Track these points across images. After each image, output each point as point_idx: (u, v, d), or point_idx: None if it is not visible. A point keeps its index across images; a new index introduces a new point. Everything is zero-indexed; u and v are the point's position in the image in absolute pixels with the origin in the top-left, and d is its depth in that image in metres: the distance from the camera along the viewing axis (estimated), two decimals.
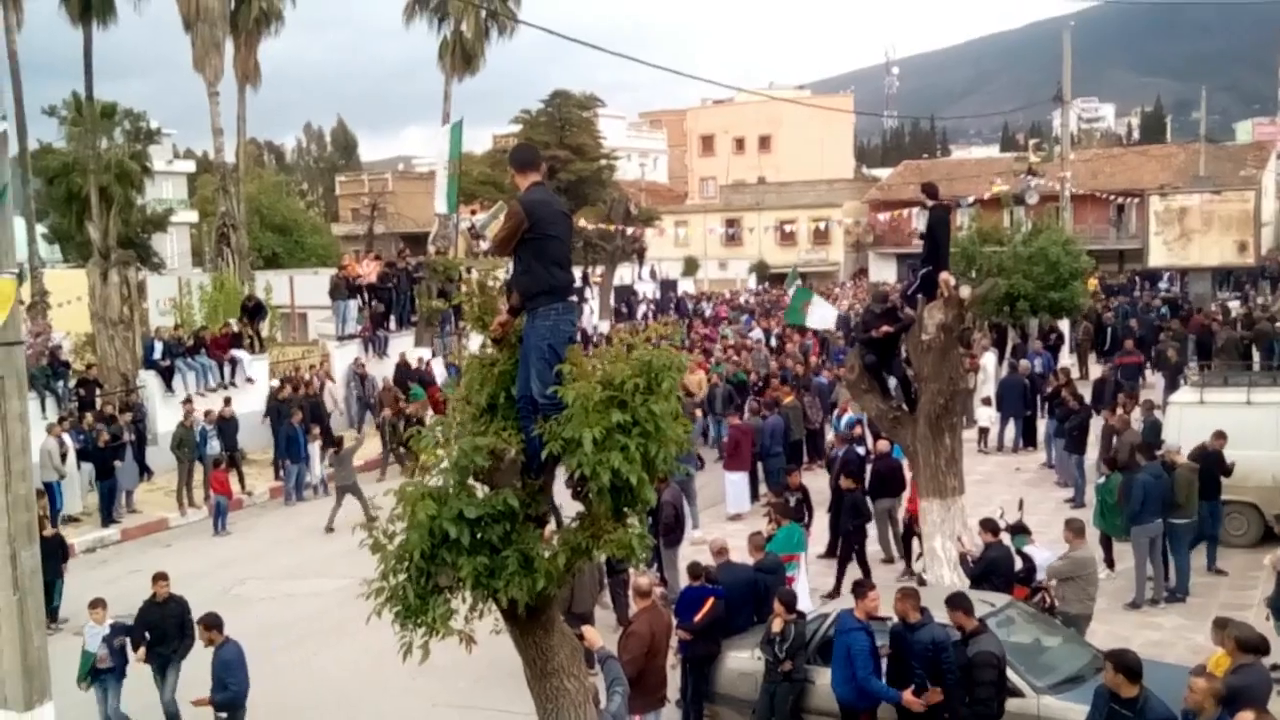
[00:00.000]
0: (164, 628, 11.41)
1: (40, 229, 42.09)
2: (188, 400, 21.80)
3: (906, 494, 14.83)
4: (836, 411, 20.11)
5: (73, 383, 22.32)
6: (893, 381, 13.96)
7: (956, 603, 9.05)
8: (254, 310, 26.93)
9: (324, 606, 15.11)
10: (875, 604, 9.56)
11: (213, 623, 10.44)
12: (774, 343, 31.29)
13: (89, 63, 34.43)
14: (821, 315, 24.23)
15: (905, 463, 14.33)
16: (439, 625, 5.92)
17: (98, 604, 11.46)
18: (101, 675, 11.19)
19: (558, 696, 6.46)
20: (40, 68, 34.70)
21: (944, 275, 12.56)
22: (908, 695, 8.88)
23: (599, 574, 12.64)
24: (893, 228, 55.48)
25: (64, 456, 18.68)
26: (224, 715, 10.23)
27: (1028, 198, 34.55)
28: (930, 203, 13.26)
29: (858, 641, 9.25)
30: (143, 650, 11.20)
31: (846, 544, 14.44)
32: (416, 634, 6.00)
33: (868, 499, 15.07)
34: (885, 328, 13.04)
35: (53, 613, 13.49)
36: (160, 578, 11.59)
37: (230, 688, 10.15)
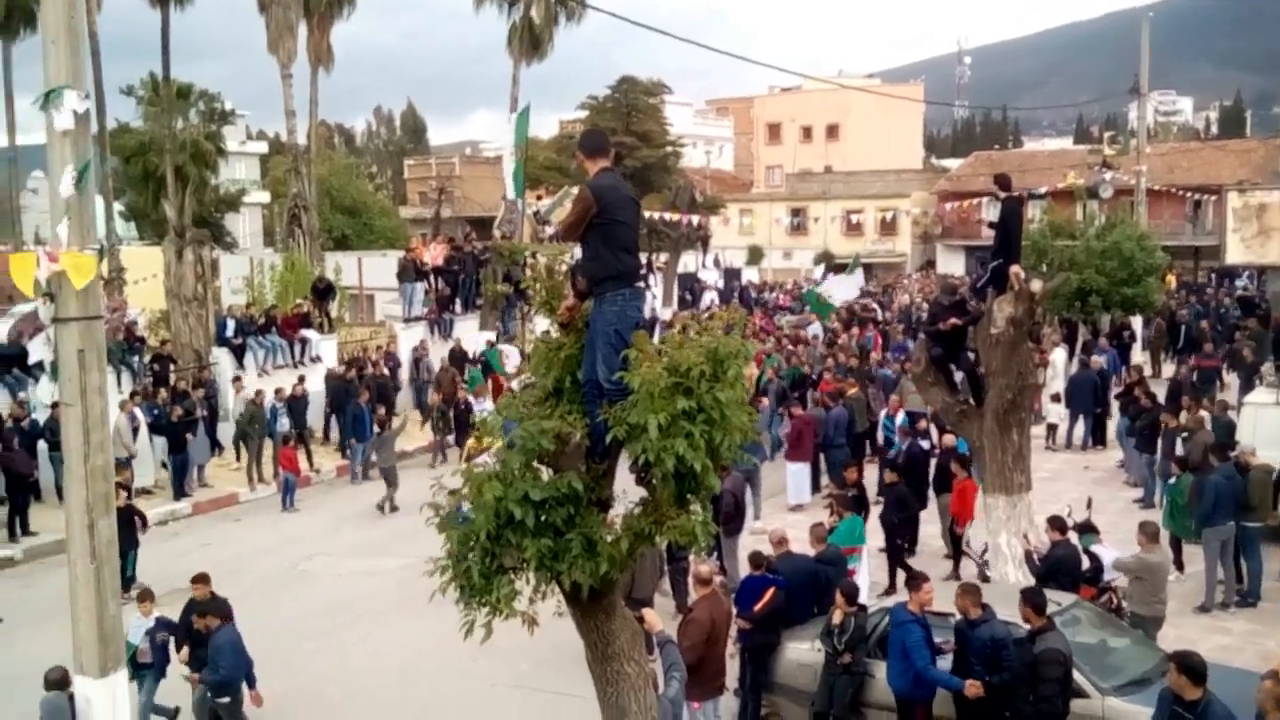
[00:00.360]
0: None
1: (117, 207, 43.05)
2: (237, 379, 22.30)
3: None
4: (886, 410, 19.21)
5: (147, 358, 22.85)
6: (959, 375, 13.82)
7: (1029, 598, 8.94)
8: (324, 291, 27.37)
9: (386, 585, 15.33)
10: (929, 596, 9.51)
11: (208, 610, 10.51)
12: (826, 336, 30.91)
13: (166, 44, 35.08)
14: (844, 288, 24.00)
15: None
16: (503, 605, 5.96)
17: (146, 596, 11.24)
18: (141, 669, 10.72)
19: (618, 680, 6.50)
20: (118, 48, 35.34)
21: (1015, 268, 12.39)
22: (970, 685, 8.82)
23: (659, 561, 12.68)
24: (961, 219, 54.71)
25: (135, 432, 19.11)
26: (224, 700, 10.19)
27: (1102, 191, 33.88)
28: (1003, 194, 13.07)
29: (912, 634, 9.19)
30: (185, 651, 10.85)
31: (891, 538, 14.31)
32: (480, 613, 6.05)
33: (930, 493, 14.92)
34: (953, 320, 12.89)
35: (126, 583, 13.81)
36: (200, 579, 11.09)
37: (222, 671, 10.10)
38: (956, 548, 14.57)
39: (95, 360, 7.55)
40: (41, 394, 19.01)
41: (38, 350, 7.29)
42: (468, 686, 11.84)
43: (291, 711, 11.43)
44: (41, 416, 18.48)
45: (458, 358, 25.89)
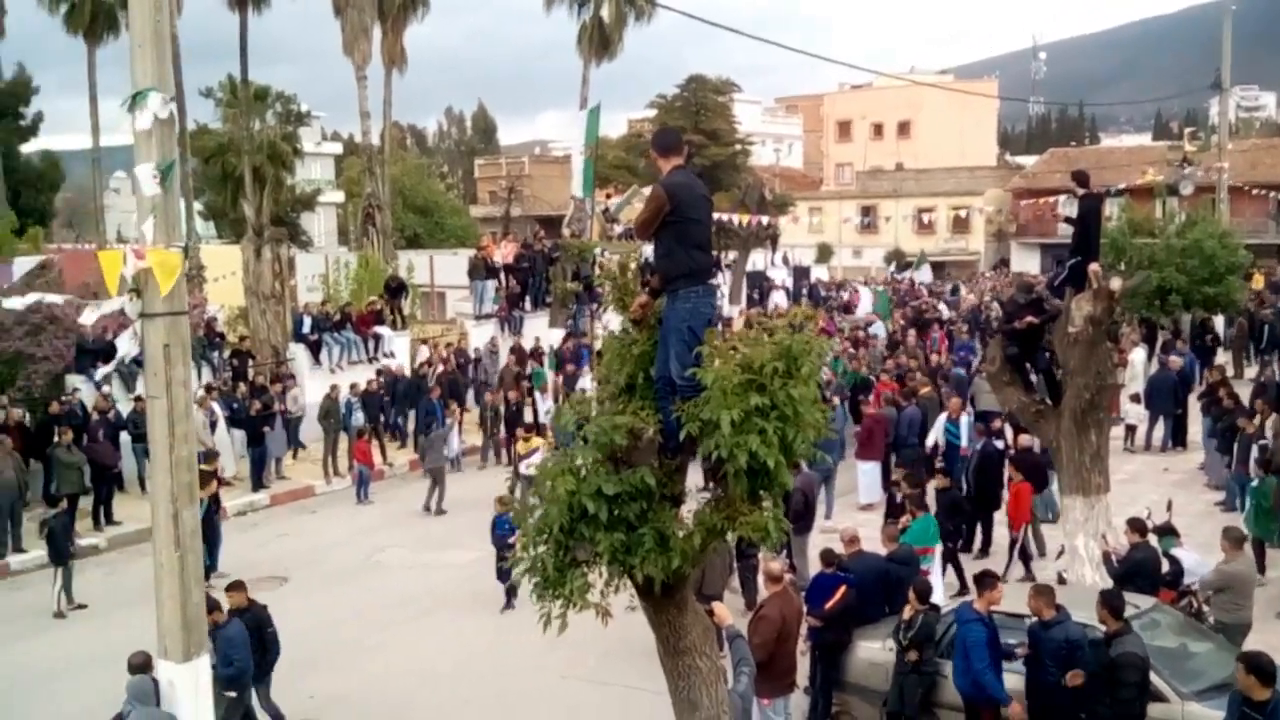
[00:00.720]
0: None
1: (197, 206, 44.05)
2: (274, 383, 22.48)
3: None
4: (946, 414, 18.07)
5: (227, 354, 23.39)
6: (1035, 375, 13.60)
7: (1107, 600, 8.81)
8: (397, 289, 27.74)
9: (458, 577, 15.53)
10: (999, 596, 9.40)
11: (212, 606, 9.90)
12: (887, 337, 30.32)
13: (244, 47, 35.80)
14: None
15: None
16: (576, 597, 6.03)
17: (238, 586, 10.87)
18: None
19: (689, 674, 6.53)
20: (197, 52, 36.26)
21: (1093, 266, 12.19)
22: (1014, 709, 8.80)
23: (729, 558, 12.68)
24: (1037, 217, 53.81)
25: (213, 425, 19.56)
26: (232, 694, 9.99)
27: (1182, 188, 33.13)
28: (1081, 191, 12.85)
29: (973, 633, 9.10)
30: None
31: (944, 542, 14.07)
32: (554, 605, 6.12)
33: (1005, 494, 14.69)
34: (1029, 319, 12.70)
35: (206, 571, 14.12)
36: (236, 587, 10.80)
37: (235, 664, 9.96)
38: (1013, 551, 14.37)
39: (180, 354, 7.76)
40: (97, 378, 19.59)
41: (124, 345, 7.53)
42: (538, 679, 11.94)
43: (364, 702, 11.64)
44: (125, 409, 19.03)
45: (521, 356, 26.01)
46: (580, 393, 6.82)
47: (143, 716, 8.19)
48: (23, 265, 19.76)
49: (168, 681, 8.27)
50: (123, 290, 7.75)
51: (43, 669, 12.62)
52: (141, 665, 8.96)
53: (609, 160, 55.77)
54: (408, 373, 24.22)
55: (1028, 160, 73.71)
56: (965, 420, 17.72)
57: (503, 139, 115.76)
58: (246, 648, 10.15)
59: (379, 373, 23.11)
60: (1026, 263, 57.17)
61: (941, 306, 35.91)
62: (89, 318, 7.36)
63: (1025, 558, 14.53)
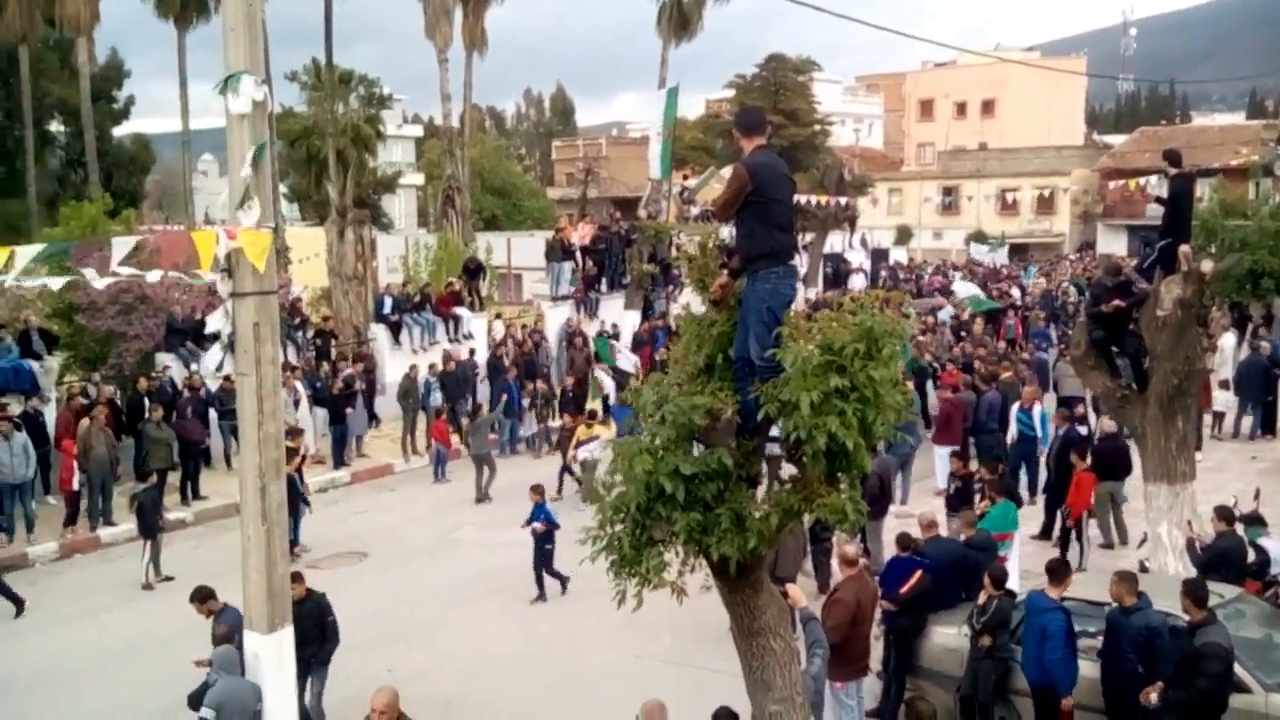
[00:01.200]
0: (302, 627, 9.91)
1: (281, 189, 44.92)
2: (355, 362, 22.73)
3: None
4: (1020, 403, 17.31)
5: (310, 334, 23.87)
6: (1122, 359, 13.30)
7: (1190, 589, 8.62)
8: (475, 271, 28.05)
9: (531, 558, 15.72)
10: (1068, 584, 9.30)
11: (207, 595, 10.09)
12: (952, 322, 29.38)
13: (329, 30, 36.27)
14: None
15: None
16: (652, 576, 6.07)
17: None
18: None
19: (763, 655, 6.54)
20: (281, 35, 36.78)
21: (1184, 248, 11.87)
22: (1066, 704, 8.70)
23: (803, 541, 12.66)
24: (1125, 197, 52.45)
25: (296, 404, 19.99)
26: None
27: (1277, 169, 32.07)
28: (1172, 171, 12.51)
29: (1054, 621, 8.98)
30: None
31: None
32: (630, 584, 6.17)
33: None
34: (1116, 302, 12.42)
35: (289, 546, 14.44)
36: (295, 578, 10.02)
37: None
38: (1065, 540, 14.16)
39: (269, 333, 7.93)
40: (208, 363, 20.10)
41: (215, 323, 7.71)
42: (611, 657, 12.06)
43: (438, 675, 11.83)
44: (213, 386, 19.55)
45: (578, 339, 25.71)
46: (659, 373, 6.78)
47: (228, 685, 8.41)
48: (121, 246, 20.06)
49: (253, 652, 8.48)
50: (216, 269, 7.90)
51: (131, 638, 13.06)
52: (225, 636, 9.19)
53: (686, 141, 55.62)
54: (479, 355, 24.41)
55: (1116, 140, 71.88)
56: (1039, 410, 17.06)
57: (580, 120, 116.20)
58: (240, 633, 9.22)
59: (444, 358, 23.19)
60: (1113, 245, 55.85)
61: (1015, 291, 35.05)
62: (217, 324, 7.52)
63: (1081, 547, 14.31)
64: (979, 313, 28.05)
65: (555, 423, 21.87)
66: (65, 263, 22.75)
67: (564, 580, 14.01)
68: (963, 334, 26.03)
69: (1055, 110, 71.47)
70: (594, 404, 21.61)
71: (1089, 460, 14.64)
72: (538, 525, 13.92)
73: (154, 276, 9.89)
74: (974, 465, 15.18)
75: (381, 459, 21.46)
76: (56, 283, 11.09)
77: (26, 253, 7.44)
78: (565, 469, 18.75)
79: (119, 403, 19.04)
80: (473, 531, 17.27)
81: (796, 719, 6.51)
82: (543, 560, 14.07)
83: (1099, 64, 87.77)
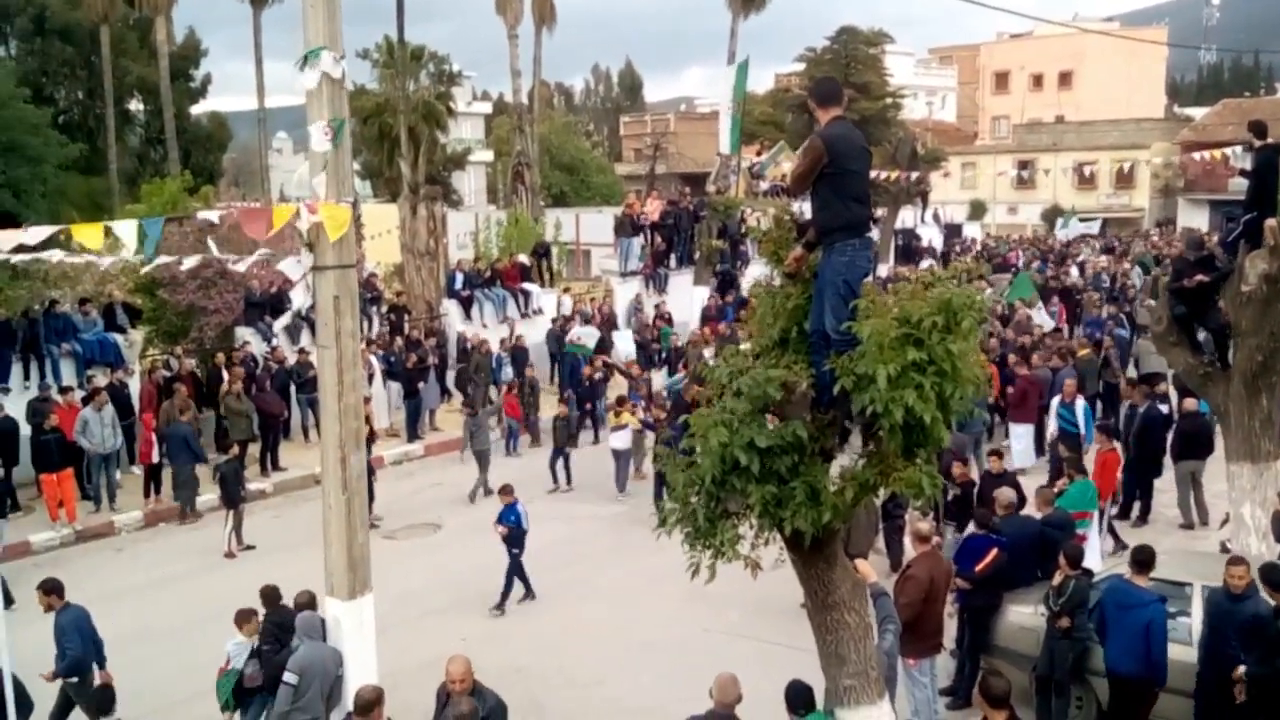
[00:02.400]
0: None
1: (354, 165, 45.47)
2: (428, 337, 22.94)
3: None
4: (1060, 397, 15.97)
5: (384, 309, 24.20)
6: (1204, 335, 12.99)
7: (1267, 575, 8.44)
8: (543, 253, 28.13)
9: (602, 529, 15.86)
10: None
11: (52, 588, 9.63)
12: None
13: (400, 7, 36.62)
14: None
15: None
16: (726, 548, 6.09)
17: (246, 617, 9.61)
18: (250, 697, 9.42)
19: (838, 629, 6.53)
20: (350, 13, 37.13)
21: (1270, 222, 11.51)
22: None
23: (875, 517, 12.59)
24: (1207, 171, 51.03)
25: (370, 378, 20.28)
26: (73, 680, 9.53)
27: None
28: (1257, 143, 12.14)
29: (1158, 614, 8.81)
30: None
31: None
32: (704, 555, 6.19)
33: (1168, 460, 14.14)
34: (1199, 277, 12.11)
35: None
36: (244, 617, 9.66)
37: (69, 653, 9.34)
38: (1102, 521, 13.39)
39: (349, 306, 8.09)
40: (277, 325, 20.56)
41: (298, 298, 7.89)
42: (681, 629, 12.13)
43: (510, 644, 11.98)
44: (291, 360, 19.93)
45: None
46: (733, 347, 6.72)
47: (310, 650, 8.63)
48: (204, 219, 20.41)
49: (333, 618, 8.70)
50: (301, 243, 8.03)
51: (215, 604, 13.33)
52: (307, 603, 9.41)
53: (755, 116, 55.12)
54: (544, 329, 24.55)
55: (1198, 112, 69.85)
56: (1082, 404, 15.84)
57: (648, 96, 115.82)
58: (80, 634, 9.49)
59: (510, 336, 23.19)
60: (1195, 219, 54.39)
61: (1073, 270, 33.15)
62: (298, 297, 7.67)
63: (1113, 530, 14.03)
64: (1012, 302, 27.24)
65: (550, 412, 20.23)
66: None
67: (529, 590, 13.41)
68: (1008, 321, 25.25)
69: (1135, 82, 69.62)
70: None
71: (1170, 438, 14.36)
72: (502, 528, 13.18)
73: (243, 266, 10.06)
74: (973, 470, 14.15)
75: (454, 432, 21.64)
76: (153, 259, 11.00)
77: (126, 230, 7.59)
78: (556, 458, 18.09)
79: (200, 376, 19.49)
80: (544, 504, 17.35)
81: (871, 693, 6.50)
82: (514, 565, 13.23)
83: (1180, 34, 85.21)
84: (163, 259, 9.76)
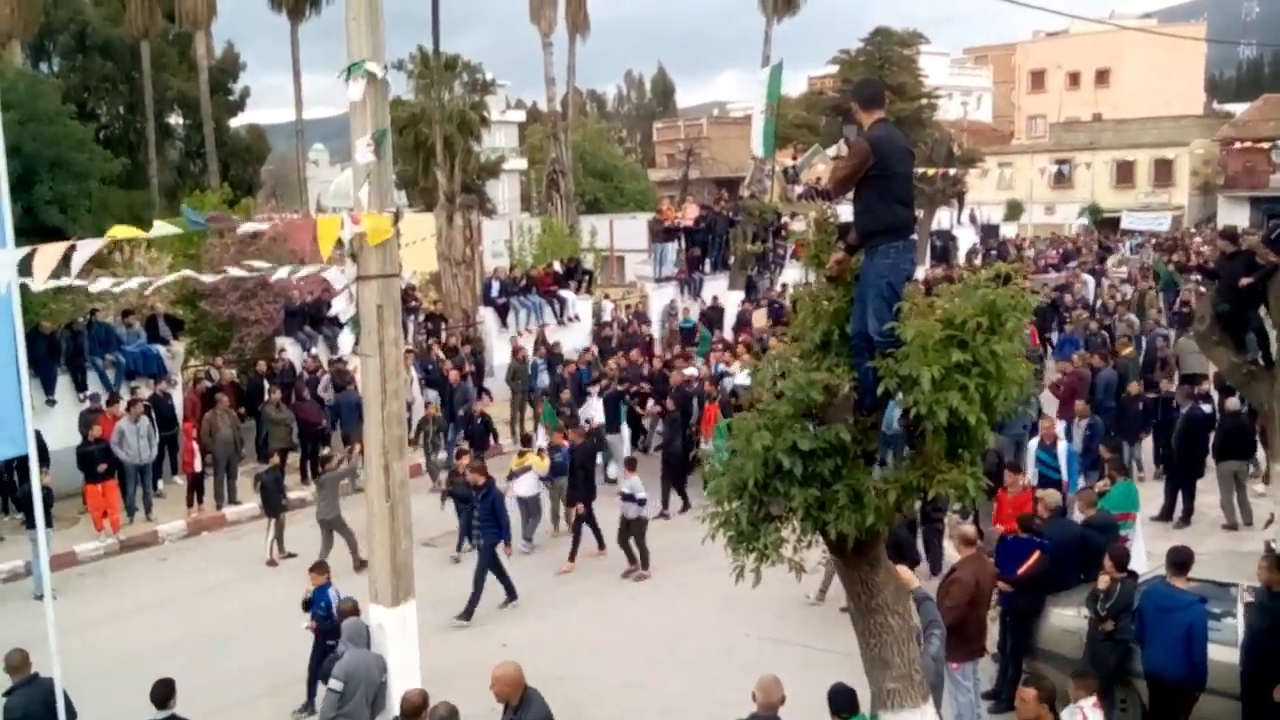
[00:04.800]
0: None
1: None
2: (464, 344, 22.92)
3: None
4: (1039, 438, 14.06)
5: (421, 317, 24.37)
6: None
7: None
8: (574, 271, 27.90)
9: (658, 530, 15.88)
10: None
11: (17, 663, 8.82)
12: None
13: (436, 18, 36.87)
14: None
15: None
16: (770, 551, 6.09)
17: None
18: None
19: (881, 632, 6.50)
20: (386, 24, 37.44)
21: None
22: None
23: (913, 523, 12.54)
24: (1247, 168, 50.41)
25: (408, 386, 20.40)
26: None
27: None
28: None
29: (1199, 617, 8.72)
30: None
31: None
32: (749, 559, 6.20)
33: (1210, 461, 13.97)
34: (1246, 280, 11.95)
35: None
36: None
37: None
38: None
39: (391, 315, 8.17)
40: (343, 346, 20.71)
41: (339, 306, 7.97)
42: (717, 635, 12.17)
43: (548, 650, 12.00)
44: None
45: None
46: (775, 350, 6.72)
47: (355, 656, 8.71)
48: (248, 229, 20.82)
49: (377, 624, 8.79)
50: (334, 256, 8.15)
51: (258, 612, 13.56)
52: (351, 610, 9.51)
53: (789, 119, 54.93)
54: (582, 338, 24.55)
55: (1237, 108, 68.97)
56: (1064, 448, 13.83)
57: (681, 101, 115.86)
58: None
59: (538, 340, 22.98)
60: (1235, 217, 53.67)
61: (1088, 278, 31.35)
62: (341, 307, 7.72)
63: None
64: (1166, 286, 26.37)
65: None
66: (189, 252, 23.71)
67: (311, 697, 10.69)
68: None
69: (1173, 79, 68.81)
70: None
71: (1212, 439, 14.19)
72: (311, 622, 10.63)
73: (282, 273, 10.22)
74: None
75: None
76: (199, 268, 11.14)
77: (164, 228, 7.71)
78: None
79: (241, 386, 19.70)
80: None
81: (915, 696, 6.47)
82: (317, 661, 10.41)
83: (1219, 29, 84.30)
84: (208, 277, 9.61)
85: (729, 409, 16.34)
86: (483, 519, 13.19)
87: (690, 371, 18.84)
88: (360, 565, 13.73)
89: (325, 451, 16.79)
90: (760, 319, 25.29)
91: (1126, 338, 20.37)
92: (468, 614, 12.82)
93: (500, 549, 13.17)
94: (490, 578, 13.18)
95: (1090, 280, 31.60)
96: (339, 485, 15.14)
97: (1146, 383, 17.43)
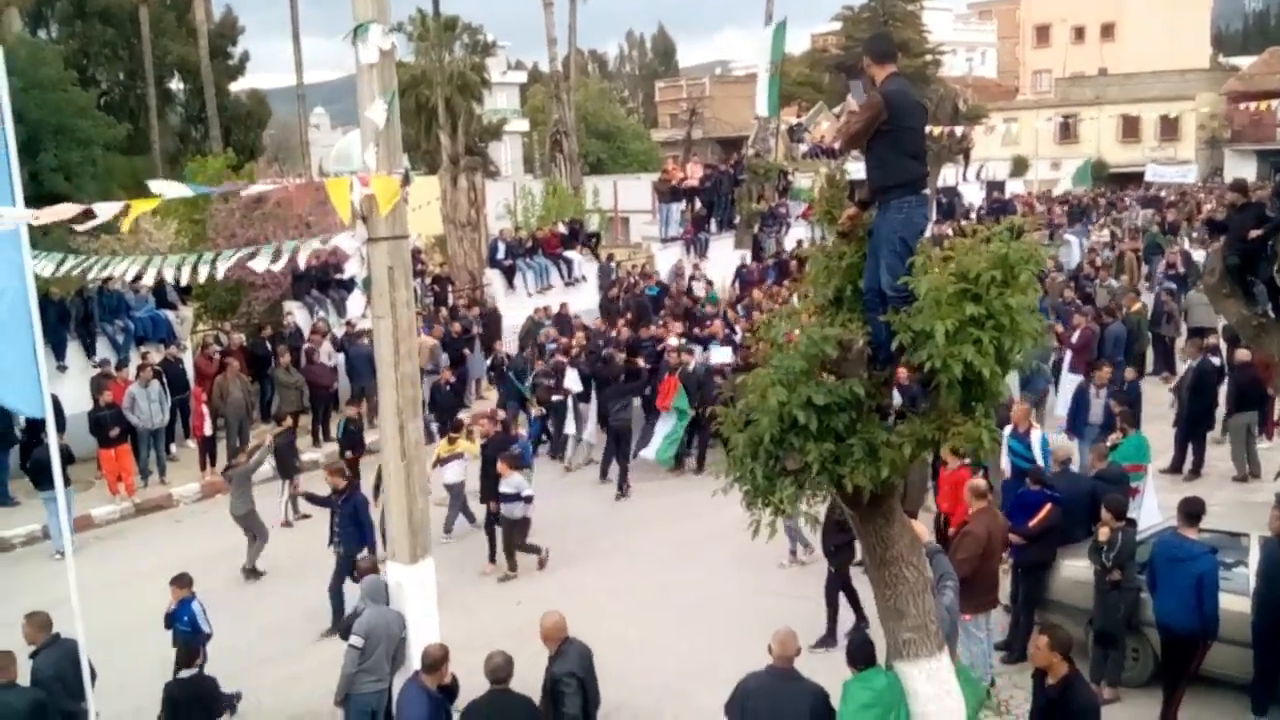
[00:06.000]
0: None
1: None
2: (470, 306, 22.80)
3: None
4: (1011, 426, 12.43)
5: (428, 280, 24.37)
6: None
7: None
8: (576, 232, 27.73)
9: (643, 494, 15.96)
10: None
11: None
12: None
13: None
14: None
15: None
16: (786, 505, 6.14)
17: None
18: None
19: (896, 584, 6.57)
20: None
21: None
22: None
23: (927, 475, 12.60)
24: (1254, 121, 50.07)
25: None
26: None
27: None
28: None
29: (1210, 567, 8.79)
30: None
31: None
32: (765, 513, 6.25)
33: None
34: (1254, 232, 11.93)
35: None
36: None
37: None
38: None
39: (402, 276, 8.20)
40: (353, 311, 20.82)
41: (352, 269, 8.00)
42: (728, 591, 12.35)
43: (566, 599, 12.11)
44: (339, 332, 20.14)
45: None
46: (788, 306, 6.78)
47: (374, 614, 8.80)
48: (254, 191, 20.89)
49: (396, 583, 8.87)
50: (352, 219, 8.15)
51: (274, 572, 13.71)
52: (369, 568, 9.62)
53: (792, 78, 54.65)
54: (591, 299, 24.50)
55: (1244, 61, 68.34)
56: (1038, 435, 12.63)
57: (682, 60, 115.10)
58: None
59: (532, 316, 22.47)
60: (1243, 170, 53.31)
61: (1072, 239, 30.77)
62: (355, 269, 7.72)
63: None
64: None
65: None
66: (194, 216, 23.68)
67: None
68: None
69: (1179, 32, 68.15)
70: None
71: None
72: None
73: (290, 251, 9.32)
74: None
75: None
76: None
77: (173, 189, 7.70)
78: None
79: (253, 349, 19.75)
80: (593, 470, 17.49)
81: (931, 646, 6.55)
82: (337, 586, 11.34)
83: None
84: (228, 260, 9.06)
85: (692, 384, 16.31)
86: (343, 525, 11.84)
87: (672, 341, 18.42)
88: (251, 573, 13.61)
89: (250, 444, 15.76)
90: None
91: (1135, 293, 20.31)
92: (335, 628, 11.24)
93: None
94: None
95: (1074, 241, 30.59)
96: (249, 480, 13.96)
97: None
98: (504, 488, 13.16)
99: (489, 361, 20.77)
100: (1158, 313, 19.99)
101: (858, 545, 9.80)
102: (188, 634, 9.60)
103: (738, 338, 19.16)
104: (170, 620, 9.94)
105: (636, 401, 17.55)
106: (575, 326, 20.76)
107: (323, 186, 8.01)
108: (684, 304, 23.72)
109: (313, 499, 13.14)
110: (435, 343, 19.83)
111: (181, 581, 10.05)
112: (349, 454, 15.41)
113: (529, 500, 13.30)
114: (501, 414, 15.99)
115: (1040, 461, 11.93)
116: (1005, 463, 12.54)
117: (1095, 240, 31.37)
